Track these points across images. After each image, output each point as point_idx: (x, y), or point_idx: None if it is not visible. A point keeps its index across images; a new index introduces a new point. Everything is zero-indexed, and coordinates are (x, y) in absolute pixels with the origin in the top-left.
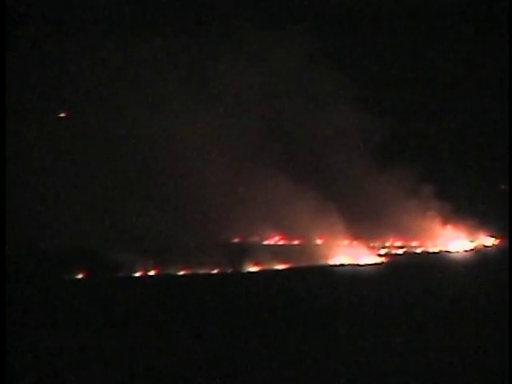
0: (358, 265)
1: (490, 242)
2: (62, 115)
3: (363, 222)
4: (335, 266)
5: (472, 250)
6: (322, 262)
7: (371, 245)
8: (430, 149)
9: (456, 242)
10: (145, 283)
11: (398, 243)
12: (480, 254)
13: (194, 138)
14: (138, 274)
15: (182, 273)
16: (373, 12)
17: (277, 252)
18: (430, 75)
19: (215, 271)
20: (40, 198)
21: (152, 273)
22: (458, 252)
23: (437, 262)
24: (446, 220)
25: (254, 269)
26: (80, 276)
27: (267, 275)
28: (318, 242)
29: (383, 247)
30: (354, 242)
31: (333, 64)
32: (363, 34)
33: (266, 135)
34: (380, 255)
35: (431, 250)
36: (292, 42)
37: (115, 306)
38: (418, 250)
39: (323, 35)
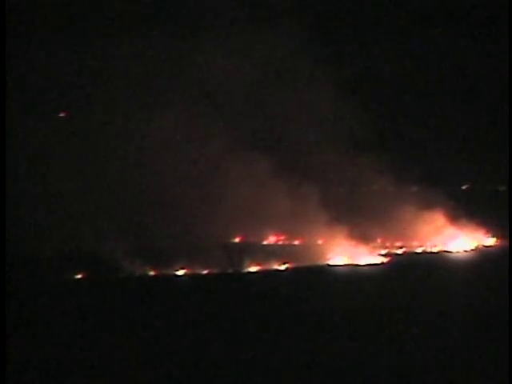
0: (358, 265)
1: (490, 242)
2: (62, 115)
3: (363, 222)
4: (335, 265)
5: (472, 250)
6: (322, 262)
7: (371, 245)
8: (430, 148)
9: (456, 241)
10: (145, 283)
11: (398, 243)
12: (480, 253)
13: (193, 137)
14: (137, 274)
15: (181, 273)
16: (362, 5)
17: (277, 252)
18: (428, 72)
19: (215, 271)
20: (40, 198)
21: (152, 273)
22: (458, 252)
23: (437, 262)
24: (446, 220)
25: (253, 269)
26: (80, 276)
27: (267, 275)
28: (318, 242)
29: (383, 247)
30: (354, 242)
31: (322, 58)
32: (353, 28)
33: (262, 133)
34: (380, 255)
35: (431, 249)
36: (279, 36)
37: (115, 306)
38: (418, 250)
39: (311, 29)
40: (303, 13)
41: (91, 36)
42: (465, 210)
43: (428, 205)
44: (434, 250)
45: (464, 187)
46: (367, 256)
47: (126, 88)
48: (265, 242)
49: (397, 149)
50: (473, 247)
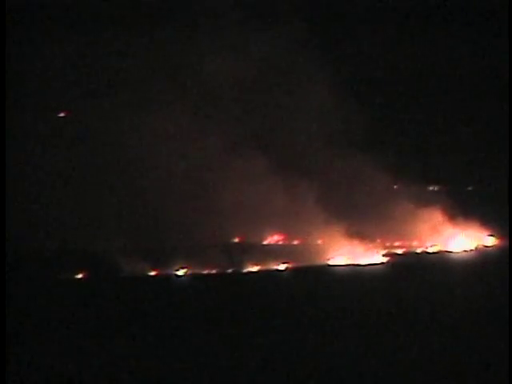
0: (358, 265)
1: (490, 241)
2: (62, 115)
3: (363, 222)
4: (335, 265)
5: (472, 250)
6: (322, 262)
7: (371, 244)
8: (430, 147)
9: (456, 241)
10: (145, 283)
11: (398, 243)
12: (480, 254)
13: (192, 137)
14: (137, 274)
15: (181, 273)
16: (360, 4)
17: (277, 252)
18: (427, 71)
19: (215, 271)
20: (40, 198)
21: (152, 273)
22: (457, 252)
23: (437, 262)
24: (446, 219)
25: (253, 269)
26: (80, 276)
27: (267, 275)
28: (318, 242)
29: (383, 247)
30: (354, 242)
31: (320, 57)
32: (351, 26)
33: (261, 132)
34: (380, 255)
35: (431, 250)
36: (277, 35)
37: (115, 306)
38: (418, 250)
39: (309, 28)
40: (301, 11)
41: (90, 35)
42: (464, 210)
43: (428, 204)
44: (434, 249)
45: (464, 186)
46: (367, 256)
47: (124, 87)
48: (265, 242)
49: (397, 147)
50: (473, 247)
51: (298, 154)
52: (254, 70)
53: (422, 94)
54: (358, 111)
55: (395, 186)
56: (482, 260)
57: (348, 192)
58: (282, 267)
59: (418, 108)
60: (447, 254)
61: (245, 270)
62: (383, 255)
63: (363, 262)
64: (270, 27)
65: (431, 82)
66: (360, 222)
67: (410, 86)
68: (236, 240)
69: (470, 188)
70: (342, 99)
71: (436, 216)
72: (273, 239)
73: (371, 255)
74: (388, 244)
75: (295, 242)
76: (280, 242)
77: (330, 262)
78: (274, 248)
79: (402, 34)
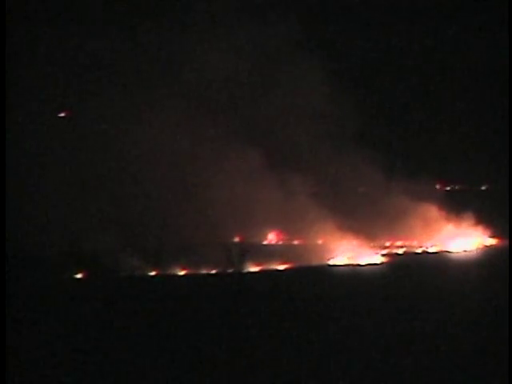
0: (358, 265)
1: (489, 241)
2: (62, 115)
3: (363, 222)
4: (335, 265)
5: (472, 250)
6: (322, 262)
7: (371, 245)
8: (430, 147)
9: (456, 241)
10: (145, 283)
11: (398, 243)
12: (480, 254)
13: (192, 137)
14: (137, 274)
15: (182, 273)
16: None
17: (277, 252)
18: (426, 68)
19: (215, 271)
20: (40, 197)
21: (152, 273)
22: (458, 252)
23: (437, 262)
24: (446, 220)
25: (254, 269)
26: (80, 276)
27: (267, 275)
28: (318, 241)
29: (383, 247)
30: (354, 242)
31: (315, 53)
32: (347, 23)
33: (257, 131)
34: (380, 255)
35: (431, 250)
36: (270, 30)
37: (115, 306)
38: (418, 250)
39: (303, 23)
40: (297, 7)
41: (90, 34)
42: (465, 210)
43: (428, 204)
44: (435, 249)
45: (464, 186)
46: (367, 256)
47: (121, 87)
48: (265, 242)
49: (396, 146)
50: (473, 247)
51: (298, 152)
52: (249, 67)
53: (421, 92)
54: (356, 108)
55: (395, 186)
56: (482, 260)
57: (348, 191)
58: (281, 267)
59: (417, 106)
60: (447, 254)
61: (245, 270)
62: (383, 255)
63: (363, 262)
64: (265, 23)
65: (429, 79)
66: (360, 222)
67: (408, 83)
68: (236, 240)
69: (470, 188)
70: (339, 95)
71: (436, 216)
72: (273, 239)
73: (371, 255)
74: (388, 244)
75: (295, 242)
76: (280, 242)
77: (330, 262)
78: (274, 248)
79: (399, 31)
